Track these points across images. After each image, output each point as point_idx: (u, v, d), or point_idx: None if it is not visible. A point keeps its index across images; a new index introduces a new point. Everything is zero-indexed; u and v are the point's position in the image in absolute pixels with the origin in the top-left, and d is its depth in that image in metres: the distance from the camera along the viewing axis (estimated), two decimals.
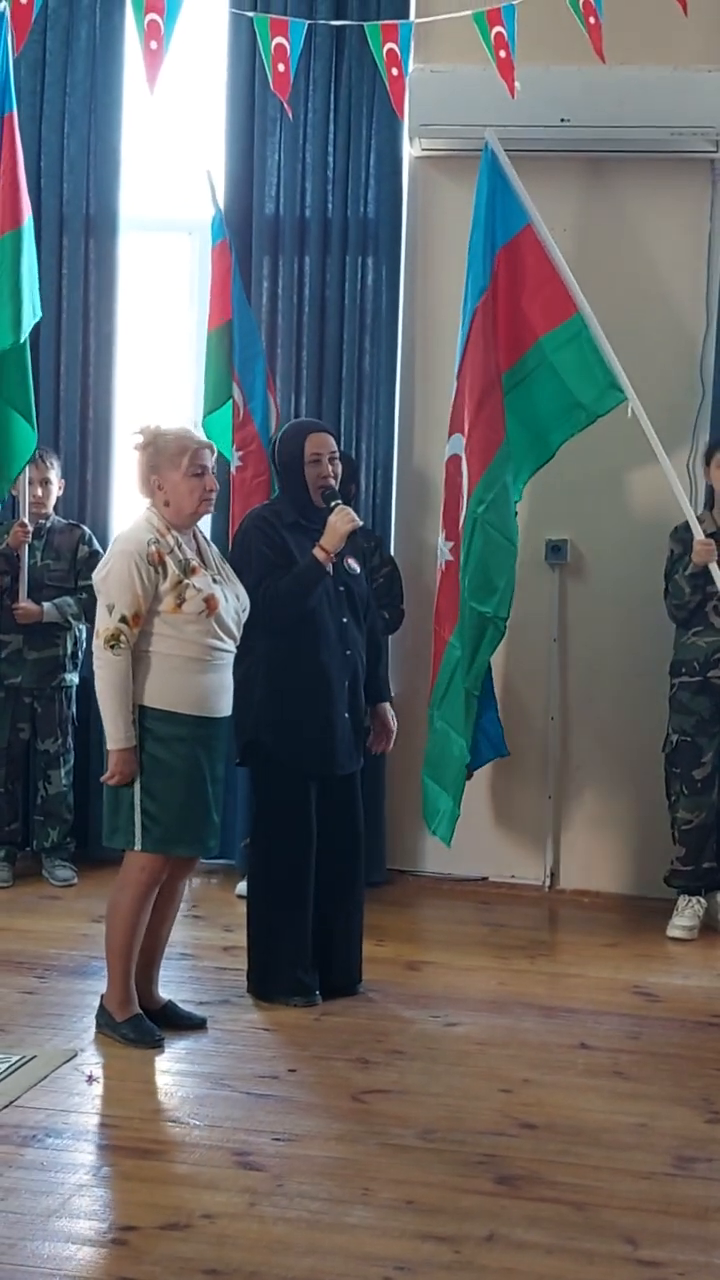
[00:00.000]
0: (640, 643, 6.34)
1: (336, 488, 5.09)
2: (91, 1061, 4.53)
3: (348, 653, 5.10)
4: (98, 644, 4.56)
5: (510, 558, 5.70)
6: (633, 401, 5.61)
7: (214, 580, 4.64)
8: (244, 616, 4.77)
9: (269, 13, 6.10)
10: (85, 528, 6.45)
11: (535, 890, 6.60)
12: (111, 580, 4.55)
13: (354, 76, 6.43)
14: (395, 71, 5.70)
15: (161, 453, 4.62)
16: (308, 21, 5.94)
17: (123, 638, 4.52)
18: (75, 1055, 4.55)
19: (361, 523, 5.10)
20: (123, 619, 4.52)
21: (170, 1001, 4.87)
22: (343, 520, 4.94)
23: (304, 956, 5.04)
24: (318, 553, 4.93)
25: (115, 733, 4.56)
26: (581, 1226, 3.60)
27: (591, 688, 6.59)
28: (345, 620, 5.09)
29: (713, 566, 5.70)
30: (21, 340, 5.80)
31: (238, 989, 5.13)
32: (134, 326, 6.78)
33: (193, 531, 4.73)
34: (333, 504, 5.01)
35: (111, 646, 4.52)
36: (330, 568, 4.97)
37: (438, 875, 6.69)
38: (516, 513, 5.81)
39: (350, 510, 5.00)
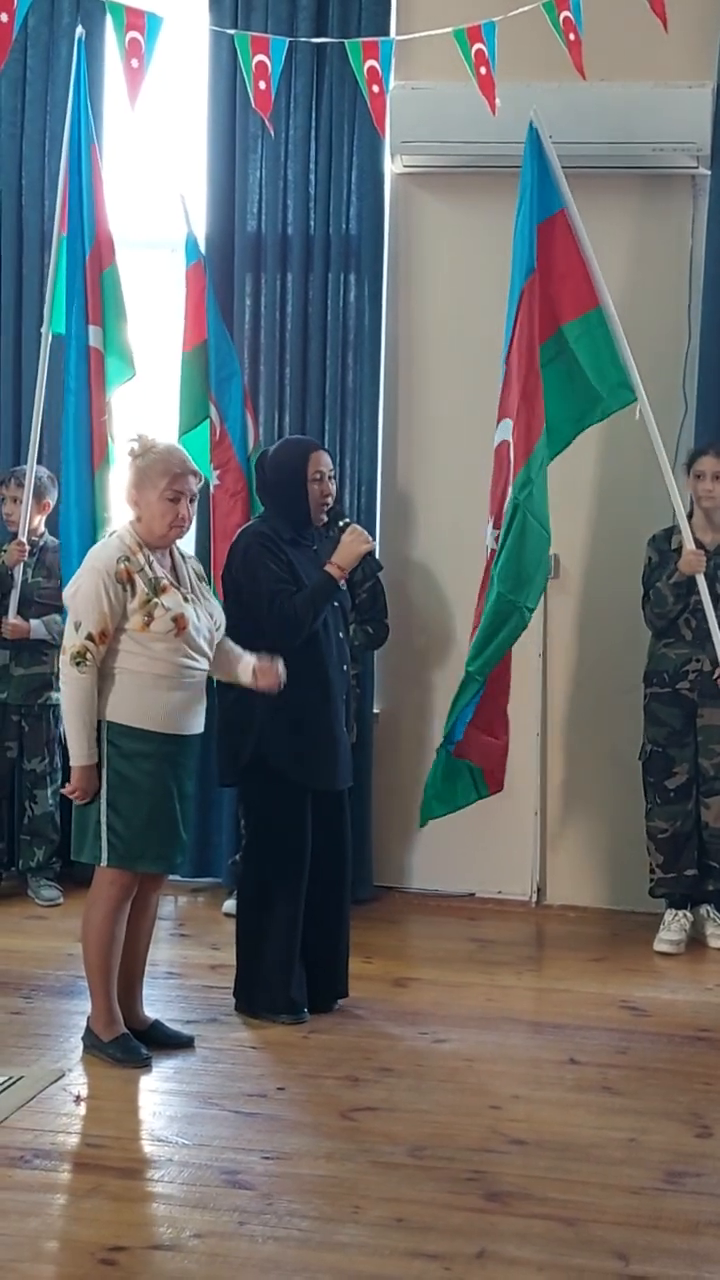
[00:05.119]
0: (625, 656, 6.34)
1: (335, 507, 5.10)
2: (79, 1082, 4.51)
3: (344, 667, 5.14)
4: (64, 660, 4.56)
5: (545, 545, 5.66)
6: (642, 403, 5.62)
7: (185, 599, 4.63)
8: (218, 636, 4.75)
9: (250, 30, 6.11)
10: None
11: (522, 906, 6.60)
12: (80, 598, 4.55)
13: (335, 94, 6.45)
14: (376, 89, 5.73)
15: (145, 470, 4.61)
16: (289, 39, 5.96)
17: (89, 655, 4.52)
18: (63, 1075, 4.53)
19: (374, 544, 5.10)
20: (89, 636, 4.52)
21: (157, 1021, 4.85)
22: (358, 540, 4.96)
23: (295, 973, 5.02)
24: (332, 570, 4.93)
25: (78, 749, 4.58)
26: (572, 1242, 3.59)
27: (577, 702, 6.59)
28: (341, 635, 5.12)
29: (699, 578, 5.72)
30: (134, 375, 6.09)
31: (225, 1007, 5.11)
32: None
33: (168, 549, 4.71)
34: (342, 523, 5.02)
35: (77, 664, 4.52)
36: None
37: (424, 892, 6.68)
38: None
39: (363, 530, 5.01)
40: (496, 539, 5.74)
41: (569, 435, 5.76)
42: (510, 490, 5.67)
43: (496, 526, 5.76)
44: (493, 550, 5.76)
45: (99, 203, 6.01)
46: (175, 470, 4.61)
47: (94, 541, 5.68)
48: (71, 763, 4.62)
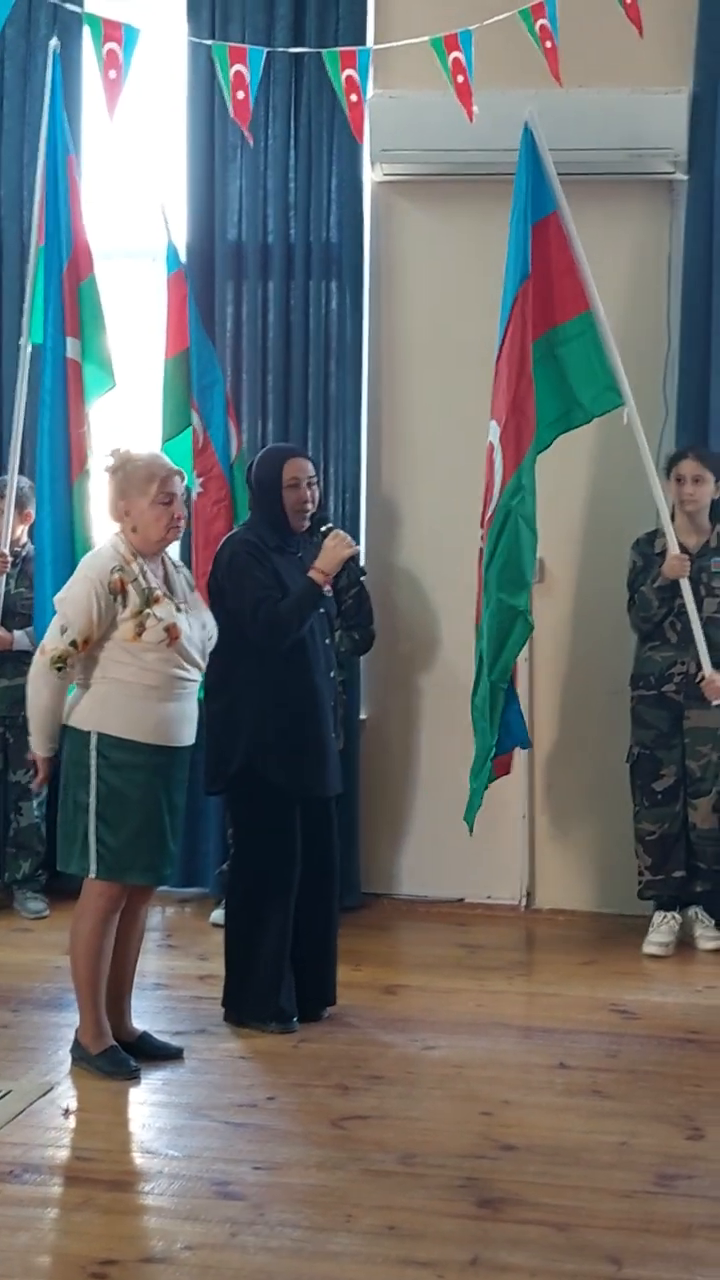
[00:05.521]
0: (609, 659, 6.36)
1: (319, 513, 5.11)
2: (68, 1095, 4.50)
3: (331, 674, 5.15)
4: (42, 660, 4.56)
5: (535, 548, 5.67)
6: (629, 407, 5.63)
7: (178, 609, 4.63)
8: (210, 646, 4.76)
9: (227, 41, 6.12)
10: None
11: (511, 910, 6.60)
12: (69, 602, 4.55)
13: (313, 103, 6.45)
14: (354, 97, 5.73)
15: (130, 479, 4.62)
16: (266, 49, 5.96)
17: (69, 661, 4.53)
18: (51, 1089, 4.52)
19: (358, 548, 5.10)
20: (73, 643, 4.52)
21: (145, 1032, 4.84)
22: (340, 545, 4.95)
23: (284, 982, 5.02)
24: (316, 576, 4.93)
25: (40, 743, 4.66)
26: (564, 1247, 3.59)
27: (564, 706, 6.60)
28: (327, 642, 5.13)
29: (683, 582, 5.74)
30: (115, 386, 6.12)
31: (214, 1018, 5.10)
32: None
33: (161, 558, 4.71)
34: (324, 529, 5.03)
35: (58, 668, 4.53)
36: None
37: (413, 898, 6.68)
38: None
39: (345, 535, 5.02)
40: (482, 539, 5.75)
41: (549, 437, 5.77)
42: (501, 496, 5.67)
43: (482, 525, 5.77)
44: (480, 549, 5.77)
45: (76, 214, 6.02)
46: (161, 474, 4.62)
47: (70, 553, 5.72)
48: (42, 754, 4.67)
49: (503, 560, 5.62)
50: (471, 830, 5.89)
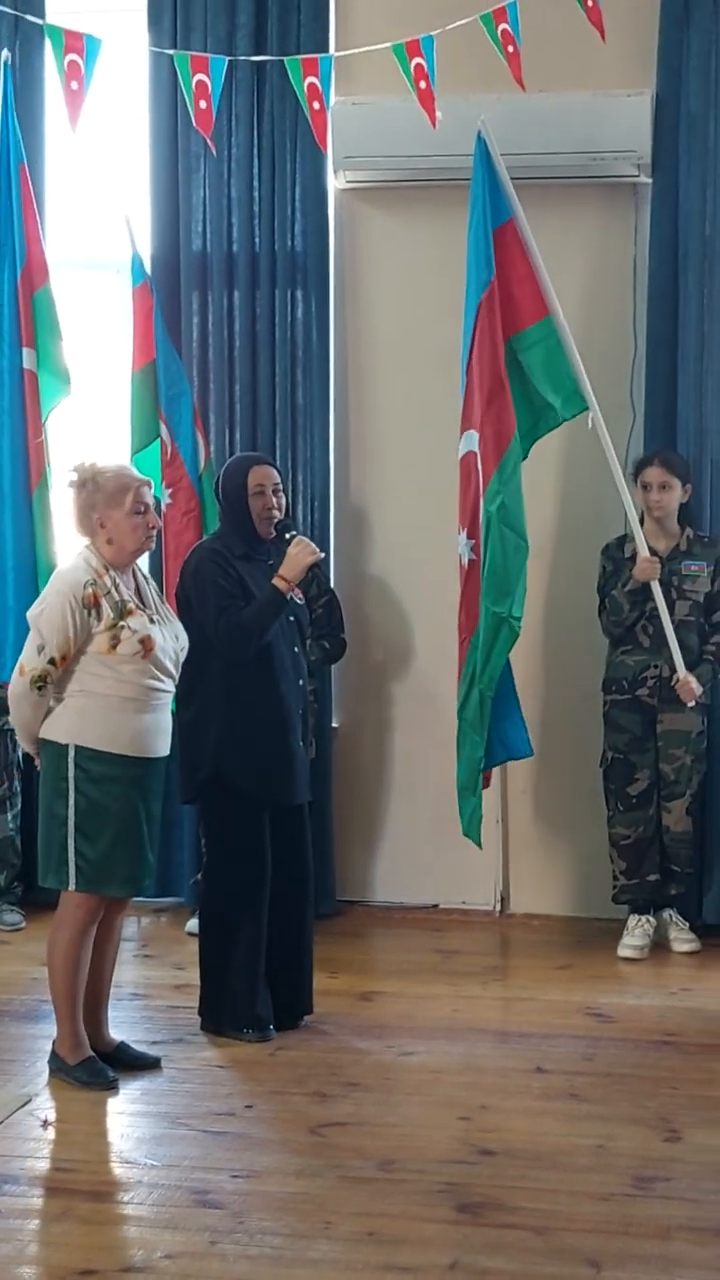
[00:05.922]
0: (581, 664, 6.36)
1: (283, 519, 5.11)
2: (46, 1106, 4.49)
3: (300, 682, 5.14)
4: (21, 680, 4.55)
5: (524, 556, 5.68)
6: (594, 411, 5.65)
7: (151, 620, 4.63)
8: (182, 656, 4.76)
9: (189, 50, 6.12)
10: None
11: (486, 915, 6.60)
12: (45, 620, 4.54)
13: (276, 111, 6.45)
14: (317, 105, 5.74)
15: (101, 490, 4.61)
16: (228, 58, 5.97)
17: (49, 679, 4.53)
18: (29, 1100, 4.50)
19: (322, 555, 5.11)
20: (51, 660, 4.52)
21: (123, 1042, 4.83)
22: (304, 552, 4.96)
23: (260, 991, 5.01)
24: (279, 583, 4.94)
25: (35, 746, 4.68)
26: (543, 1251, 3.59)
27: (536, 711, 6.59)
28: (296, 650, 5.13)
29: (654, 584, 5.75)
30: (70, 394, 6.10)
31: (191, 1027, 5.09)
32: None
33: (132, 570, 4.72)
34: (289, 535, 5.03)
35: (39, 688, 4.53)
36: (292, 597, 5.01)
37: (388, 904, 6.68)
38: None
39: (309, 541, 5.02)
40: (474, 549, 5.76)
41: (526, 448, 5.79)
42: (482, 502, 5.69)
43: (471, 536, 5.78)
44: (473, 561, 5.78)
45: (29, 224, 6.00)
46: (134, 484, 4.64)
47: (31, 563, 5.71)
48: (29, 751, 4.74)
49: (488, 567, 5.66)
50: (480, 844, 5.91)
